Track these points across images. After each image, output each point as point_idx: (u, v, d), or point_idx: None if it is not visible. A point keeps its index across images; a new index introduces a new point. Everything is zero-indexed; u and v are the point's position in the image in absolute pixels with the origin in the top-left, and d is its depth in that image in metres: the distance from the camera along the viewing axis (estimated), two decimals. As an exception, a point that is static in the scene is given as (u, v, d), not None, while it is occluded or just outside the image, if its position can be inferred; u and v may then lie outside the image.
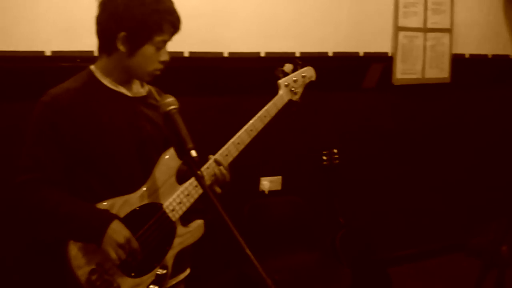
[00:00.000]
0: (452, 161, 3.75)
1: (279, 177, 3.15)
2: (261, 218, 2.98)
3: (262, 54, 2.94)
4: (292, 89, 1.96)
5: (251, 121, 1.86)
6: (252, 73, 2.91)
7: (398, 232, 3.61)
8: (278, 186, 3.14)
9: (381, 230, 3.45)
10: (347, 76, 3.26)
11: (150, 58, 1.66)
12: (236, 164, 1.85)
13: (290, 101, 1.96)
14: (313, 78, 2.06)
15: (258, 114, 1.88)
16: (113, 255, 1.59)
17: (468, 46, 3.61)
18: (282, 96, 1.94)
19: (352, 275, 2.84)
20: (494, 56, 3.72)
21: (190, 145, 1.49)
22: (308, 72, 2.03)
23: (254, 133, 1.86)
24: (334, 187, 3.17)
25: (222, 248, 2.55)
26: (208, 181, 1.75)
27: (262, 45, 2.93)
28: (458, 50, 3.56)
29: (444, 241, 3.79)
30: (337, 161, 3.19)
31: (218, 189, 1.79)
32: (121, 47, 1.63)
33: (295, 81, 1.97)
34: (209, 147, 1.82)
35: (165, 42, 1.68)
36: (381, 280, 3.17)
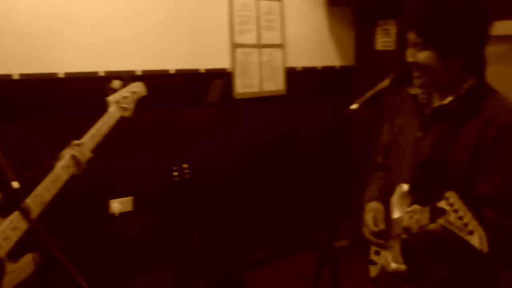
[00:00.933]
0: (294, 166, 4.02)
1: (130, 198, 3.10)
2: (113, 242, 2.89)
3: (101, 74, 2.87)
4: (123, 105, 1.94)
5: (80, 141, 1.83)
6: (91, 94, 2.83)
7: (252, 238, 3.76)
8: (129, 207, 3.08)
9: (235, 238, 3.57)
10: (190, 92, 3.33)
11: None
12: (82, 188, 1.78)
13: (121, 117, 1.94)
14: (144, 93, 2.06)
15: (89, 134, 1.84)
16: None
17: (299, 60, 3.92)
18: (113, 113, 1.92)
19: (209, 286, 2.90)
20: (323, 67, 4.11)
21: (10, 176, 1.42)
22: (138, 88, 2.03)
23: (86, 154, 1.83)
24: (187, 201, 3.22)
25: (63, 281, 2.43)
26: (36, 209, 1.66)
27: (101, 65, 2.87)
28: (291, 63, 3.85)
29: (295, 241, 4.04)
30: (188, 176, 3.24)
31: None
32: None
33: (125, 97, 1.96)
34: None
35: None
36: (239, 286, 3.27)
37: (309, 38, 3.99)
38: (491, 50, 1.61)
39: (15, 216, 1.63)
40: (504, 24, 3.18)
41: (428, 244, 1.50)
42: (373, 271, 1.81)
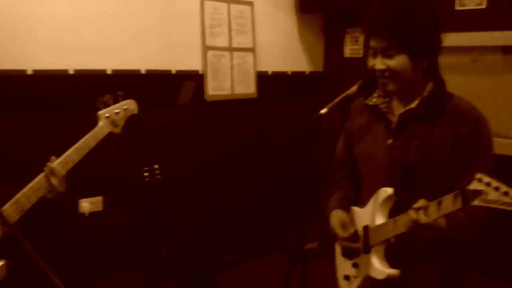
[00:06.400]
0: (264, 168, 4.05)
1: (100, 197, 3.06)
2: (83, 242, 2.85)
3: (71, 72, 2.85)
4: (113, 121, 1.92)
5: (67, 153, 1.78)
6: (61, 91, 2.81)
7: (222, 239, 3.77)
8: (99, 207, 3.05)
9: (205, 239, 3.57)
10: (161, 93, 3.33)
11: None
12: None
13: (110, 133, 1.91)
14: (135, 112, 2.03)
15: (75, 146, 1.80)
16: None
17: (270, 64, 3.98)
18: (102, 128, 1.88)
19: (180, 287, 2.89)
20: (293, 72, 4.18)
21: None
22: (130, 105, 2.01)
23: (70, 165, 1.78)
24: (158, 202, 3.20)
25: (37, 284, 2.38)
26: (15, 215, 1.63)
27: (70, 62, 2.85)
28: (262, 67, 3.90)
29: (265, 243, 4.07)
30: (158, 177, 3.23)
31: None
32: None
33: (116, 113, 1.93)
34: (17, 173, 1.71)
35: None
36: (210, 287, 3.27)
37: (279, 43, 4.05)
38: (454, 61, 1.69)
39: None
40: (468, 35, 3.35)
41: (433, 237, 1.51)
42: (350, 286, 1.81)
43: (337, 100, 1.66)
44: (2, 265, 1.67)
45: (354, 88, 1.67)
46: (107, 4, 3.00)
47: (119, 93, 1.99)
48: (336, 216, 1.84)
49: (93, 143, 1.85)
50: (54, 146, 1.82)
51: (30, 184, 1.69)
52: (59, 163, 1.74)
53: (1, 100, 2.61)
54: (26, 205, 1.67)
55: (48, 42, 2.76)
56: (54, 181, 1.71)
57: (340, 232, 1.79)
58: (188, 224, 3.50)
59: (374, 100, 1.75)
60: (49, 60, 2.76)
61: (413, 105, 1.66)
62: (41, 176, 1.71)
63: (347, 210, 1.85)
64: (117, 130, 1.94)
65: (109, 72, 3.01)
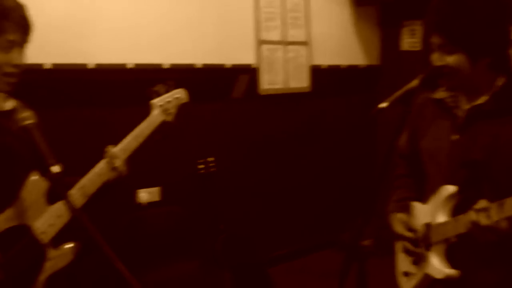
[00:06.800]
0: (318, 163, 4.02)
1: (158, 188, 3.14)
2: (141, 231, 2.94)
3: (130, 66, 2.94)
4: (166, 109, 1.97)
5: (125, 141, 1.84)
6: (120, 85, 2.90)
7: (276, 233, 3.77)
8: (156, 197, 3.13)
9: (259, 232, 3.58)
10: (216, 87, 3.38)
11: None
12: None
13: (163, 121, 1.96)
14: (186, 100, 2.09)
15: (132, 134, 1.86)
16: None
17: (324, 58, 3.94)
18: (156, 117, 1.93)
19: (233, 278, 2.92)
20: (348, 66, 4.12)
21: (51, 161, 1.44)
22: (181, 94, 2.07)
23: (128, 152, 1.84)
24: (212, 194, 3.25)
25: (101, 268, 2.47)
26: (81, 199, 1.70)
27: (130, 57, 2.94)
28: (316, 61, 3.87)
29: (318, 238, 4.03)
30: (213, 169, 3.28)
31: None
32: None
33: (168, 102, 1.99)
34: (80, 162, 1.78)
35: (12, 42, 1.58)
36: (262, 280, 3.28)
37: (334, 37, 4.01)
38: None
39: (60, 204, 1.66)
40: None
41: (495, 240, 1.46)
42: (408, 283, 1.77)
43: (397, 94, 1.61)
44: (70, 248, 1.74)
45: (415, 82, 1.62)
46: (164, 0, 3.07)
47: (170, 82, 2.04)
48: (398, 219, 1.81)
49: (148, 131, 1.91)
50: (113, 137, 1.88)
51: (94, 170, 1.76)
52: (120, 149, 1.81)
53: (64, 92, 2.74)
54: (90, 190, 1.73)
55: (108, 37, 2.86)
56: (117, 163, 1.77)
57: (406, 234, 1.75)
58: (242, 216, 3.52)
59: (440, 94, 1.70)
60: (109, 55, 2.86)
61: (481, 100, 1.59)
62: (103, 162, 1.78)
63: (407, 211, 1.81)
64: (169, 118, 1.99)
65: (166, 66, 3.09)
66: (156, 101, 1.96)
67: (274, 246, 3.77)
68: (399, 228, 1.78)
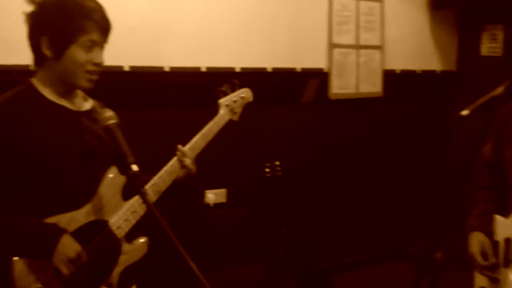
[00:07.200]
0: (387, 171, 3.92)
1: (224, 190, 3.18)
2: (207, 231, 2.99)
3: (203, 69, 3.00)
4: (232, 109, 2.01)
5: (194, 139, 1.88)
6: (193, 88, 2.96)
7: (340, 241, 3.71)
8: (223, 199, 3.17)
9: (323, 239, 3.54)
10: (285, 90, 3.37)
11: (79, 60, 1.61)
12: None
13: (230, 120, 2.00)
14: (251, 99, 2.13)
15: (201, 132, 1.90)
16: (64, 270, 1.54)
17: (398, 62, 3.83)
18: (223, 116, 1.97)
19: (296, 284, 2.90)
20: (423, 71, 3.97)
21: (131, 159, 1.49)
22: (246, 93, 2.10)
23: (197, 151, 1.89)
24: (278, 198, 3.24)
25: (168, 264, 2.54)
26: (153, 196, 1.75)
27: (203, 60, 2.99)
28: (389, 66, 3.77)
29: (384, 248, 3.93)
30: (279, 173, 3.27)
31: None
32: (47, 52, 1.60)
33: (235, 101, 2.02)
34: (152, 161, 1.84)
35: (93, 42, 1.63)
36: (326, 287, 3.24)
37: (409, 41, 3.88)
38: None
39: (135, 200, 1.72)
40: None
41: None
42: None
43: (480, 101, 1.54)
44: (144, 242, 1.80)
45: (500, 89, 1.54)
46: (238, 3, 3.10)
47: (236, 81, 2.07)
48: (477, 240, 1.74)
49: (215, 130, 1.95)
50: (185, 137, 1.92)
51: (165, 168, 1.80)
52: (189, 148, 1.86)
53: (141, 94, 2.83)
54: (162, 187, 1.78)
55: (184, 41, 2.92)
56: (186, 161, 1.81)
57: (480, 260, 1.69)
58: (306, 222, 3.50)
59: None
60: (184, 58, 2.92)
61: None
62: (174, 160, 1.82)
63: (489, 228, 1.72)
64: (235, 117, 2.03)
65: (237, 70, 3.12)
66: (223, 101, 2.00)
67: (339, 253, 3.71)
68: (475, 251, 1.71)
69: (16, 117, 1.58)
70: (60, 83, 1.66)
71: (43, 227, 1.57)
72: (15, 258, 1.53)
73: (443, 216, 3.35)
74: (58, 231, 1.56)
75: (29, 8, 1.63)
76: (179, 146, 1.84)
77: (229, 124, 1.99)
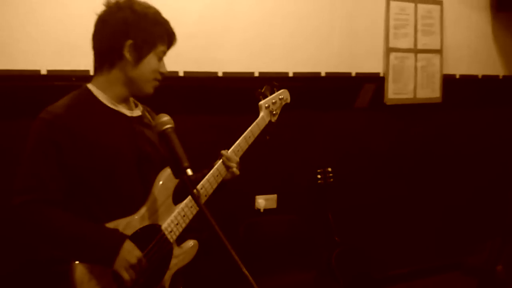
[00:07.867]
0: (445, 179, 3.77)
1: (275, 195, 3.16)
2: (257, 236, 2.98)
3: (256, 74, 2.99)
4: (272, 110, 2.03)
5: (237, 142, 1.91)
6: (246, 93, 2.95)
7: (394, 250, 3.60)
8: (273, 204, 3.15)
9: (376, 248, 3.44)
10: (339, 95, 3.30)
11: (153, 68, 1.69)
12: (233, 181, 1.89)
13: (269, 122, 2.03)
14: (288, 101, 2.14)
15: (243, 135, 1.93)
16: (126, 276, 1.57)
17: (458, 67, 3.67)
18: (264, 118, 2.01)
19: (349, 293, 2.83)
20: (484, 76, 3.80)
21: (186, 164, 1.51)
22: (284, 95, 2.12)
23: (240, 153, 1.91)
24: (329, 205, 3.19)
25: (216, 267, 2.54)
26: (202, 200, 1.76)
27: (255, 65, 2.98)
28: (449, 70, 3.62)
29: (440, 260, 3.78)
30: (331, 180, 3.22)
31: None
32: (128, 56, 1.65)
33: (274, 103, 2.05)
34: (201, 166, 1.85)
35: (164, 53, 1.73)
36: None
37: (470, 45, 3.72)
38: None
39: (185, 204, 1.75)
40: None
41: None
42: None
43: None
44: (193, 245, 1.83)
45: None
46: (293, 8, 3.06)
47: (275, 83, 2.09)
48: None
49: (257, 132, 1.97)
50: (234, 142, 1.93)
51: (212, 171, 1.83)
52: (232, 151, 1.88)
53: (195, 99, 2.85)
54: (209, 190, 1.81)
55: (237, 47, 2.92)
56: (232, 165, 1.84)
57: None
58: (359, 230, 3.41)
59: None
60: (237, 63, 2.93)
61: None
62: (219, 163, 1.85)
63: None
64: (274, 118, 2.05)
65: (290, 74, 3.08)
66: (263, 103, 2.02)
67: (392, 264, 3.60)
68: None
69: (76, 123, 1.61)
70: (123, 88, 1.70)
71: (106, 233, 1.59)
72: (76, 262, 1.56)
73: (506, 227, 3.19)
74: (120, 237, 1.59)
75: (106, 12, 1.68)
76: (223, 151, 1.86)
77: (267, 125, 2.02)
